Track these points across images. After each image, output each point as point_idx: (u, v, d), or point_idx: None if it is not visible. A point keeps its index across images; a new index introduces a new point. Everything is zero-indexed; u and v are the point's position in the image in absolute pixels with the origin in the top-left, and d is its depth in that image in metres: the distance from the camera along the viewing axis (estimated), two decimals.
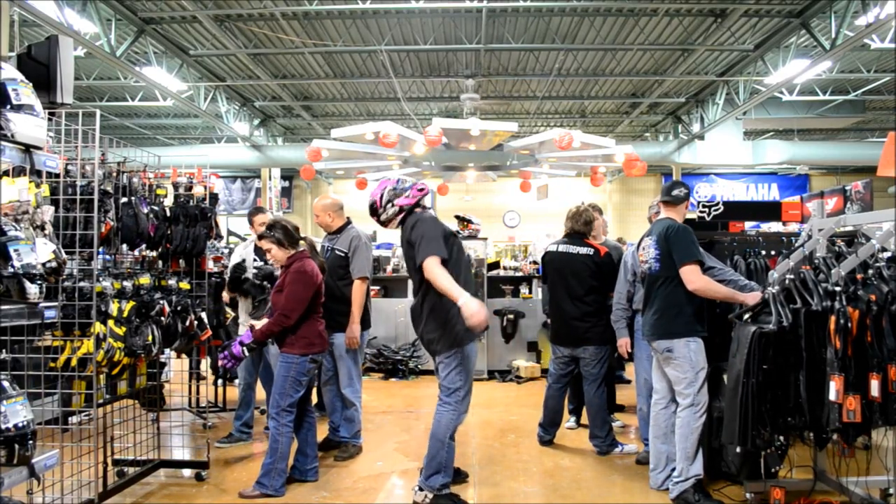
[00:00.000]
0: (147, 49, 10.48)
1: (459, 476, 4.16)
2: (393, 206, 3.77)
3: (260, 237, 4.16)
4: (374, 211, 3.84)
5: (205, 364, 6.37)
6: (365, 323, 4.82)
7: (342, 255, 4.68)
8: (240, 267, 4.97)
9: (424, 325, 3.76)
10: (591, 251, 4.87)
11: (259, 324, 4.01)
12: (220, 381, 6.22)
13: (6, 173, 2.70)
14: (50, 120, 3.04)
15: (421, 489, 3.70)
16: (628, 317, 4.73)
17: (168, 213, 4.21)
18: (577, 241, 4.95)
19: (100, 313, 3.38)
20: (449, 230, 3.74)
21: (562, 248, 4.98)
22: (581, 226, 4.98)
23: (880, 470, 3.69)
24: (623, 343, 4.75)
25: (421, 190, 3.81)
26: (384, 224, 3.85)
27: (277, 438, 3.91)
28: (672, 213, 4.03)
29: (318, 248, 4.53)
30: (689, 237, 3.81)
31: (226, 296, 5.35)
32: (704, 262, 3.85)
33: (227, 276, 5.11)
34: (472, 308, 3.31)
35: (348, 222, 4.88)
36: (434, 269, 3.46)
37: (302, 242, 4.11)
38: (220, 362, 4.02)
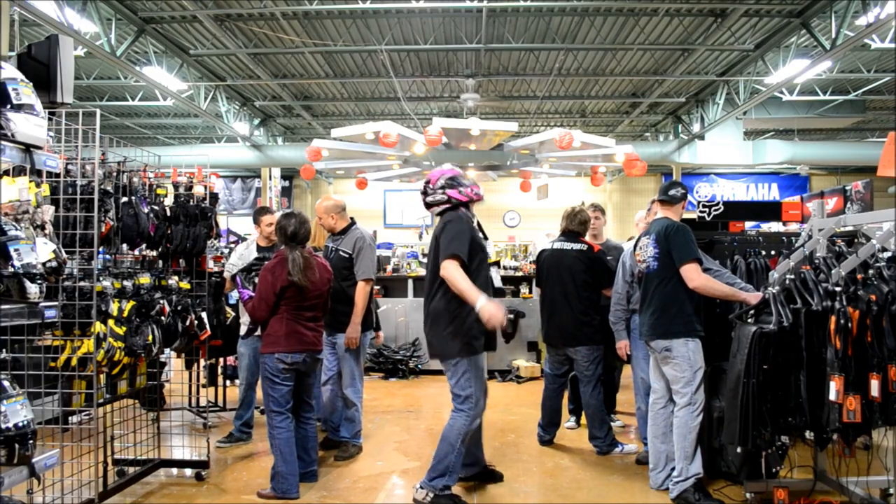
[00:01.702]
0: (147, 49, 10.47)
1: (493, 477, 4.17)
2: (443, 193, 3.77)
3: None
4: (425, 190, 3.85)
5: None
6: (368, 323, 4.82)
7: (346, 255, 4.67)
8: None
9: (429, 330, 3.77)
10: (583, 247, 4.91)
11: None
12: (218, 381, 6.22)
13: (6, 173, 2.70)
14: (50, 119, 3.04)
15: (422, 487, 3.68)
16: (627, 318, 4.74)
17: (168, 213, 4.21)
18: (571, 238, 4.98)
19: (100, 313, 3.38)
20: (479, 241, 3.72)
21: (556, 245, 5.02)
22: (576, 225, 5.01)
23: (880, 470, 3.70)
24: (623, 345, 4.74)
25: (478, 195, 3.81)
26: (427, 206, 3.86)
27: (272, 442, 3.92)
28: (669, 212, 4.03)
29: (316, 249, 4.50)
30: (687, 236, 3.82)
31: (228, 284, 5.28)
32: (702, 262, 3.85)
33: (229, 273, 5.08)
34: (489, 311, 3.38)
35: (352, 223, 4.87)
36: (451, 271, 3.50)
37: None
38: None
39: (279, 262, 3.91)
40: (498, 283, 4.43)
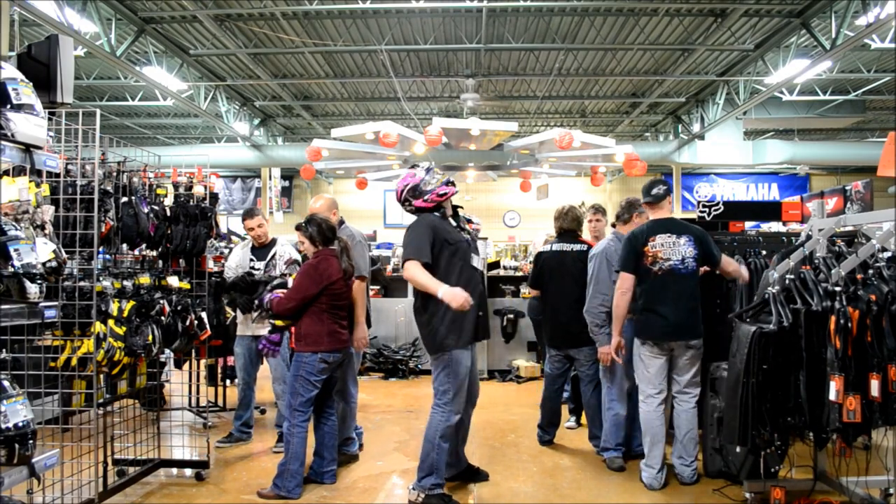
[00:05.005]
0: (147, 49, 10.48)
1: (478, 476, 4.19)
2: (410, 204, 3.84)
3: (297, 228, 4.20)
4: (397, 199, 3.93)
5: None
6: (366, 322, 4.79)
7: None
8: (245, 278, 4.93)
9: (418, 326, 3.87)
10: (583, 247, 4.89)
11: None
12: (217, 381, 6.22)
13: (6, 173, 2.70)
14: (50, 119, 3.04)
15: (414, 488, 3.73)
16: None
17: (168, 213, 4.21)
18: (569, 239, 4.97)
19: (100, 313, 3.38)
20: (448, 236, 3.73)
21: (555, 247, 4.99)
22: (570, 223, 5.00)
23: (880, 470, 3.69)
24: (607, 350, 4.31)
25: (442, 195, 3.80)
26: (407, 210, 3.94)
27: (289, 439, 3.92)
28: (660, 212, 4.13)
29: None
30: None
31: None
32: None
33: (226, 277, 5.08)
34: (451, 294, 3.44)
35: (342, 221, 4.87)
36: (411, 270, 3.59)
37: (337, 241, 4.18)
38: (262, 349, 4.26)
39: (324, 259, 3.99)
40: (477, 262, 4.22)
